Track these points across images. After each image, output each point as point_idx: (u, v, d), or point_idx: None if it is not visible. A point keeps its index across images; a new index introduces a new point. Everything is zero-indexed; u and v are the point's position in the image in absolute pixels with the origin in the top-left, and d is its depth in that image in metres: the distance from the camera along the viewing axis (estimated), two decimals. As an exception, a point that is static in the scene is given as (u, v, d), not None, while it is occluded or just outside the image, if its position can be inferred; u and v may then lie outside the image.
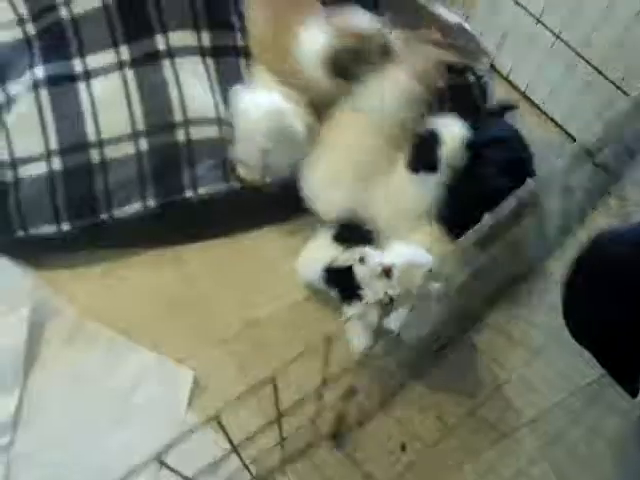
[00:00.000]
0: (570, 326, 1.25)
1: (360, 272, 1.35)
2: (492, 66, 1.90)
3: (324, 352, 0.78)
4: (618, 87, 1.68)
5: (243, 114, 1.56)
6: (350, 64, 1.58)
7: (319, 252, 1.55)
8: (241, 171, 1.60)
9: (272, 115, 1.52)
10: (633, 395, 1.25)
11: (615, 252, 1.16)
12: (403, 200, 1.55)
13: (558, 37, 1.70)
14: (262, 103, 1.54)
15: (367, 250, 1.39)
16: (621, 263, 1.14)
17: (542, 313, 1.61)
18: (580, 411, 1.53)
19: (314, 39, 1.58)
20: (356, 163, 1.57)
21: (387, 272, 1.27)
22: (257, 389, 0.82)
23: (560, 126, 1.83)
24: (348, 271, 1.38)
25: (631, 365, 1.25)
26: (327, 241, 1.55)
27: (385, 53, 1.59)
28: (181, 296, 1.58)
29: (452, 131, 1.50)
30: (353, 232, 1.55)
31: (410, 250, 1.38)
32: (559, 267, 1.61)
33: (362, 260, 1.35)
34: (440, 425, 1.49)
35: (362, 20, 1.59)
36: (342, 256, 1.44)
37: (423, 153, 1.51)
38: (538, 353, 1.58)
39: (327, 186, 1.59)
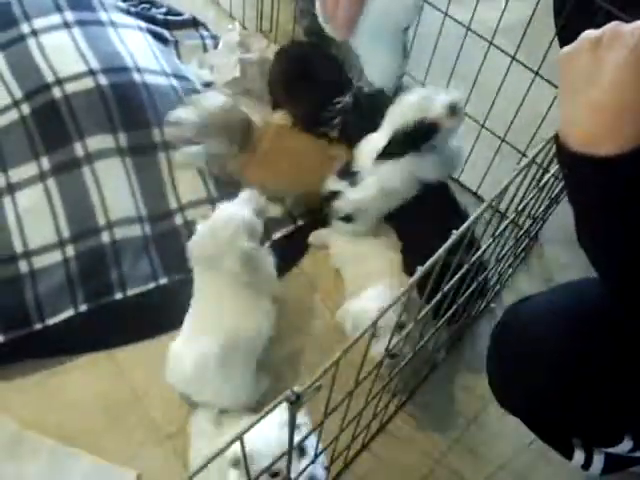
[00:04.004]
0: (495, 396, 1.28)
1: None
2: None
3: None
4: (524, 154, 1.74)
5: None
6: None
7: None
8: None
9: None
10: (568, 458, 1.27)
11: (527, 325, 1.19)
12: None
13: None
14: None
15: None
16: (532, 335, 1.17)
17: (475, 378, 1.64)
18: (527, 472, 1.56)
19: None
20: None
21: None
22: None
23: (477, 195, 1.89)
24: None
25: (559, 431, 1.29)
26: None
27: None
28: (119, 397, 1.57)
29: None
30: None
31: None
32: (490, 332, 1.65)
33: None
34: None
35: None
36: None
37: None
38: (475, 419, 1.61)
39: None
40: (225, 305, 1.46)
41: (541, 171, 1.24)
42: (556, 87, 1.51)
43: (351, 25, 1.04)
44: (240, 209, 1.47)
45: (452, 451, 1.57)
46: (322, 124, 1.81)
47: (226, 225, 1.42)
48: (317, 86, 1.83)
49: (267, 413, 0.75)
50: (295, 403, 0.76)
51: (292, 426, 0.81)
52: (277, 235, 1.77)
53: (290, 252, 1.75)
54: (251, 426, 0.75)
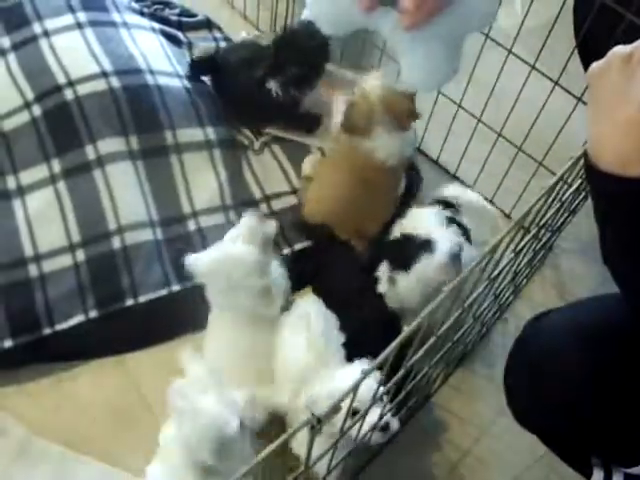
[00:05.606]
0: (513, 412, 1.26)
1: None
2: (420, 150, 1.96)
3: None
4: (541, 163, 1.72)
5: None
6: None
7: None
8: None
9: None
10: (587, 477, 1.26)
11: (543, 341, 1.18)
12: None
13: (479, 120, 1.75)
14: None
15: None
16: (548, 351, 1.16)
17: (488, 389, 1.63)
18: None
19: None
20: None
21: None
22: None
23: (492, 203, 1.87)
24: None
25: (578, 450, 1.27)
26: None
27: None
28: (129, 403, 1.56)
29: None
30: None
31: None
32: (503, 343, 1.64)
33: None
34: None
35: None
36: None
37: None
38: (487, 430, 1.60)
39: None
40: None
41: (565, 187, 1.22)
42: (575, 97, 1.51)
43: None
44: (248, 249, 1.43)
45: (463, 462, 1.56)
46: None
47: (237, 268, 1.41)
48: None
49: (287, 437, 0.73)
50: (315, 427, 0.75)
51: (310, 449, 0.80)
52: (295, 247, 1.76)
53: (307, 267, 1.71)
54: (271, 450, 0.73)
